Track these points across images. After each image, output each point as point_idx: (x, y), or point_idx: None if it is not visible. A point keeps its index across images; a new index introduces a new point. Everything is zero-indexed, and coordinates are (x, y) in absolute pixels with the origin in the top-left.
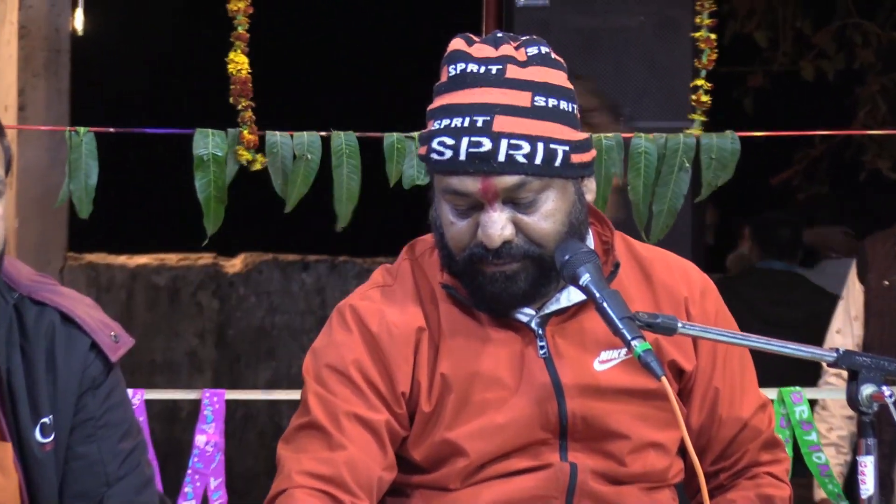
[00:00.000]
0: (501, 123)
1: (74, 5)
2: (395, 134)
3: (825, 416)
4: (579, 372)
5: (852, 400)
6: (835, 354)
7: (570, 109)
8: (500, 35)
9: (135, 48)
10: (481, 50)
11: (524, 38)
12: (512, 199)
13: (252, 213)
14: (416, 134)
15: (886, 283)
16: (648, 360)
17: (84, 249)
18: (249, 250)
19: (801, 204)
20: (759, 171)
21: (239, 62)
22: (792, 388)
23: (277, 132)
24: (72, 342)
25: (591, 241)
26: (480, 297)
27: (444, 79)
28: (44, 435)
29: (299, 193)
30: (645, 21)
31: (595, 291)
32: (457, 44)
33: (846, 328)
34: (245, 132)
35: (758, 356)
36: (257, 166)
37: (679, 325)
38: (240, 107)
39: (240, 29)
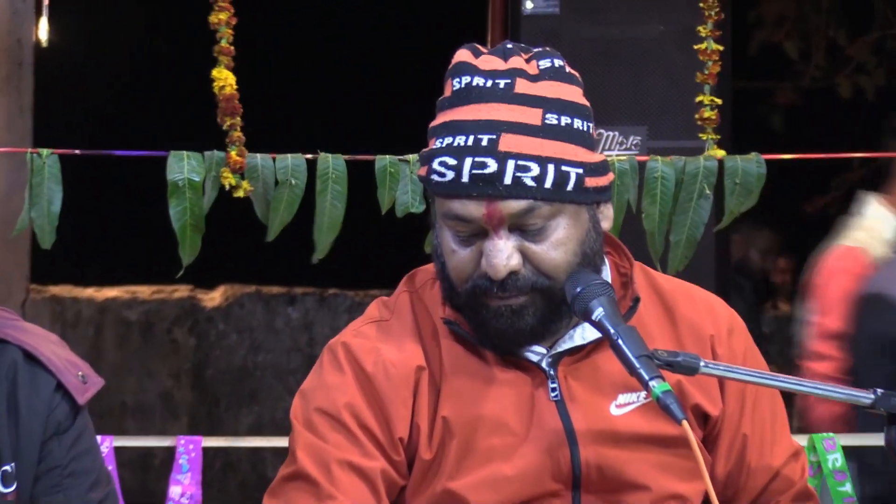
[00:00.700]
0: (508, 143)
1: (38, 13)
2: (387, 157)
3: None
4: (594, 417)
5: (892, 445)
6: (872, 396)
7: (585, 128)
8: (509, 46)
9: (104, 62)
10: (489, 62)
11: (536, 50)
12: (519, 226)
13: (232, 242)
14: (410, 157)
15: None
16: (668, 403)
17: (48, 281)
18: (229, 282)
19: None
20: (791, 196)
21: (223, 79)
22: (825, 434)
23: (259, 155)
24: (36, 383)
25: (607, 273)
26: (485, 333)
27: (447, 93)
28: (5, 484)
29: (282, 221)
30: (664, 31)
31: (609, 327)
32: (462, 55)
33: None
34: (233, 153)
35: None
36: (240, 193)
37: (701, 363)
38: (226, 126)
39: (223, 42)
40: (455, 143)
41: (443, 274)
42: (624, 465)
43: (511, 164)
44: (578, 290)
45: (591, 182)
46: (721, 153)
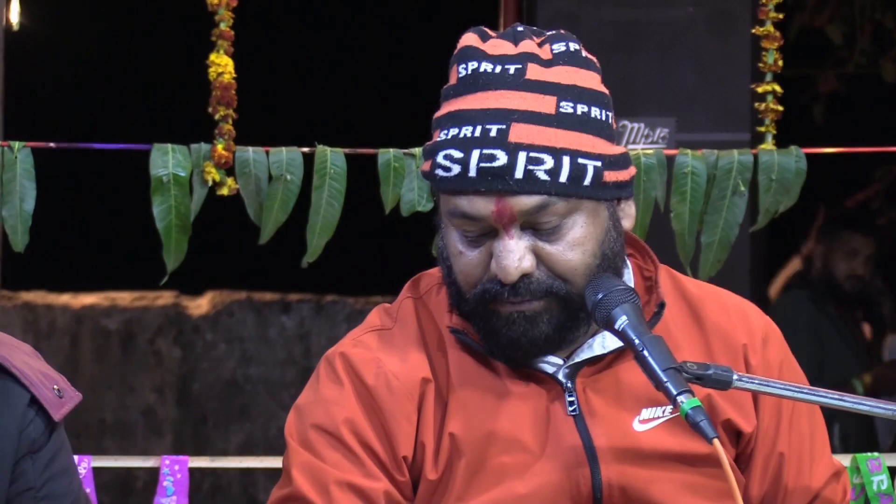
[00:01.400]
0: (519, 133)
1: None
2: (391, 150)
3: None
4: (616, 433)
5: None
6: None
7: (604, 118)
8: (520, 29)
9: (82, 47)
10: (498, 46)
11: (549, 33)
12: (532, 225)
13: (221, 244)
14: (416, 150)
15: None
16: (698, 420)
17: (19, 287)
18: (218, 288)
19: (882, 230)
20: (831, 191)
21: (223, 65)
22: (869, 455)
23: (250, 148)
24: (7, 397)
25: (629, 277)
26: (496, 342)
27: (453, 80)
28: None
29: (276, 221)
30: (695, 13)
31: (634, 337)
32: (469, 39)
33: None
34: (219, 147)
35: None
36: (224, 191)
37: (734, 377)
38: (218, 116)
39: (222, 26)
40: (461, 135)
41: (449, 278)
42: (648, 485)
43: (522, 157)
44: (599, 296)
45: (610, 176)
46: (770, 146)
